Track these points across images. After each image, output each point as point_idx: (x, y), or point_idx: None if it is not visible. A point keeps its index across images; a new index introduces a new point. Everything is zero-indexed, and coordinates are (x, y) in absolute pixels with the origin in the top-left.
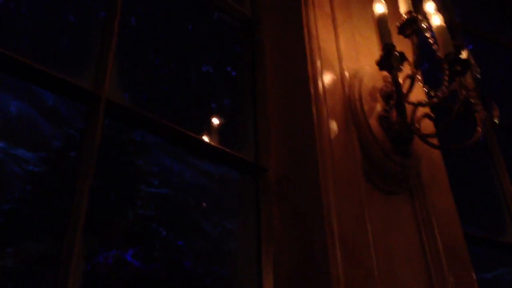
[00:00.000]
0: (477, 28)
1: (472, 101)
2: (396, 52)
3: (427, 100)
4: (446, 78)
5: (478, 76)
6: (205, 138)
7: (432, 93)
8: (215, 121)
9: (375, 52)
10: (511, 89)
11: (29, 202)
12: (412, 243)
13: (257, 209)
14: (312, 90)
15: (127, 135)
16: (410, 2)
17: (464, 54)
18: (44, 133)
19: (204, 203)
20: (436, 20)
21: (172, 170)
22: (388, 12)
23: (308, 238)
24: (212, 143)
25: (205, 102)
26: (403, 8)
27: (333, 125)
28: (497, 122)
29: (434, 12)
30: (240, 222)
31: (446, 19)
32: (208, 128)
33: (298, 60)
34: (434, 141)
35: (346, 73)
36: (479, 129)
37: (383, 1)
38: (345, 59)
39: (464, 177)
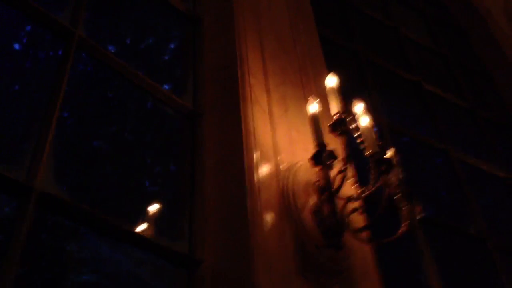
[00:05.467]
0: (402, 127)
1: (396, 198)
2: (327, 150)
3: (357, 195)
4: (372, 176)
5: (400, 176)
6: (141, 227)
7: (361, 189)
8: (152, 211)
9: (310, 146)
10: (438, 185)
11: None
12: None
13: None
14: (247, 183)
15: (58, 220)
16: (340, 103)
17: (388, 154)
18: None
19: None
20: (364, 120)
21: (104, 257)
22: (323, 110)
23: None
24: (146, 235)
25: (143, 192)
26: (334, 109)
27: (268, 219)
28: (419, 217)
29: (362, 113)
30: None
31: (375, 119)
32: (145, 218)
33: (235, 153)
34: (365, 234)
35: (282, 167)
36: (403, 224)
37: (316, 102)
38: (281, 152)
39: (394, 269)
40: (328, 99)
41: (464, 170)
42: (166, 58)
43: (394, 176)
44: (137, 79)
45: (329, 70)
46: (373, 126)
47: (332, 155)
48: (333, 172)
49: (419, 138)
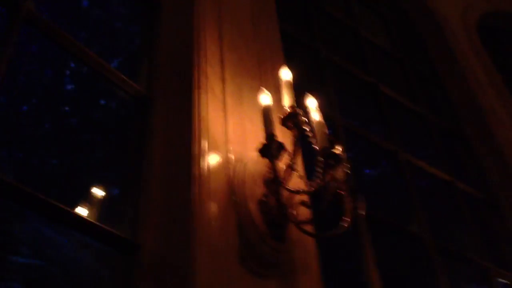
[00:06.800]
0: (355, 126)
1: (342, 192)
2: (276, 142)
3: (304, 188)
4: (320, 170)
5: (347, 171)
6: (85, 211)
7: (308, 183)
8: (97, 194)
9: (262, 139)
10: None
11: None
12: None
13: None
14: (194, 171)
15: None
16: (293, 96)
17: (337, 150)
18: None
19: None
20: (316, 116)
21: (46, 239)
22: (277, 103)
23: None
24: (88, 218)
25: (88, 175)
26: (286, 102)
27: (214, 208)
28: (363, 213)
29: (315, 108)
30: None
31: (329, 116)
32: (89, 201)
33: (185, 140)
34: (309, 228)
35: (232, 157)
36: (347, 219)
37: (268, 93)
38: (233, 143)
39: (335, 264)
40: (281, 92)
41: (411, 172)
42: (122, 40)
43: (341, 172)
44: (89, 59)
45: (287, 65)
46: (324, 121)
47: (281, 147)
48: (282, 164)
49: (370, 138)
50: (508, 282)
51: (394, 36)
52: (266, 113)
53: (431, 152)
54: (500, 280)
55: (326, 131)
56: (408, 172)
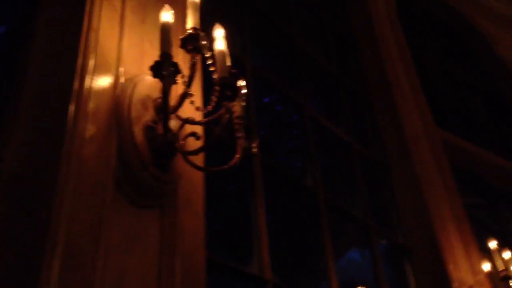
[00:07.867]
0: (266, 73)
1: (236, 127)
2: (171, 62)
3: (197, 118)
4: (215, 99)
5: (243, 103)
6: None
7: (203, 114)
8: None
9: None
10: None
11: None
12: (150, 262)
13: None
14: (76, 86)
15: None
16: (198, 19)
17: (238, 83)
18: None
19: None
20: (220, 44)
21: None
22: (181, 28)
23: (28, 244)
24: None
25: None
26: (190, 23)
27: (91, 127)
28: (255, 151)
29: (220, 37)
30: None
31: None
32: None
33: (70, 51)
34: (197, 161)
35: (123, 77)
36: (237, 155)
37: (171, 11)
38: (126, 62)
39: (225, 203)
40: (187, 13)
41: (314, 128)
42: None
43: (237, 106)
44: None
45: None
46: (228, 52)
47: (176, 69)
48: (177, 90)
49: (278, 87)
50: (388, 242)
51: None
52: (164, 30)
53: (337, 111)
54: (381, 241)
55: (229, 62)
56: (310, 128)
